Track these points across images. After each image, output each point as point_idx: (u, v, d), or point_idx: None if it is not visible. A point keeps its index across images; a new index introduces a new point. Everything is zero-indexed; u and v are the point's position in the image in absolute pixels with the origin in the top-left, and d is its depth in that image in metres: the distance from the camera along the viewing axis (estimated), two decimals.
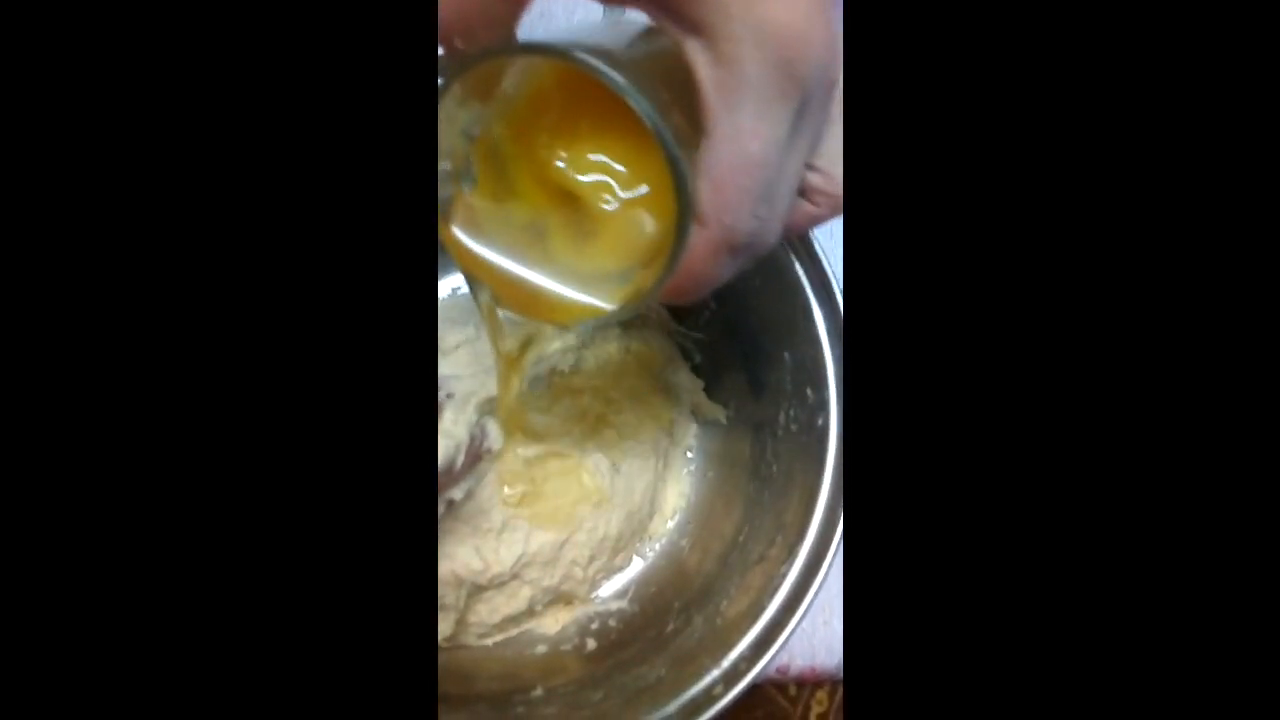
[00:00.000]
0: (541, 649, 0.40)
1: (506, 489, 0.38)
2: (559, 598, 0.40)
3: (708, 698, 0.32)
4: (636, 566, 0.42)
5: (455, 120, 0.23)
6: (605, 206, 0.22)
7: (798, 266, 0.36)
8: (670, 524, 0.42)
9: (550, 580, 0.39)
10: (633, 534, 0.41)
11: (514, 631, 0.40)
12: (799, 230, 0.24)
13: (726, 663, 0.33)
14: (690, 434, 0.43)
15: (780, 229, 0.22)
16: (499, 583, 0.38)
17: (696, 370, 0.43)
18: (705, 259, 0.21)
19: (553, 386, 0.40)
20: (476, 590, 0.37)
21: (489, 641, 0.40)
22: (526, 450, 0.39)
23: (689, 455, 0.43)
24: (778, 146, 0.20)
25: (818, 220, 0.24)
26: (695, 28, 0.19)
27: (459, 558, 0.36)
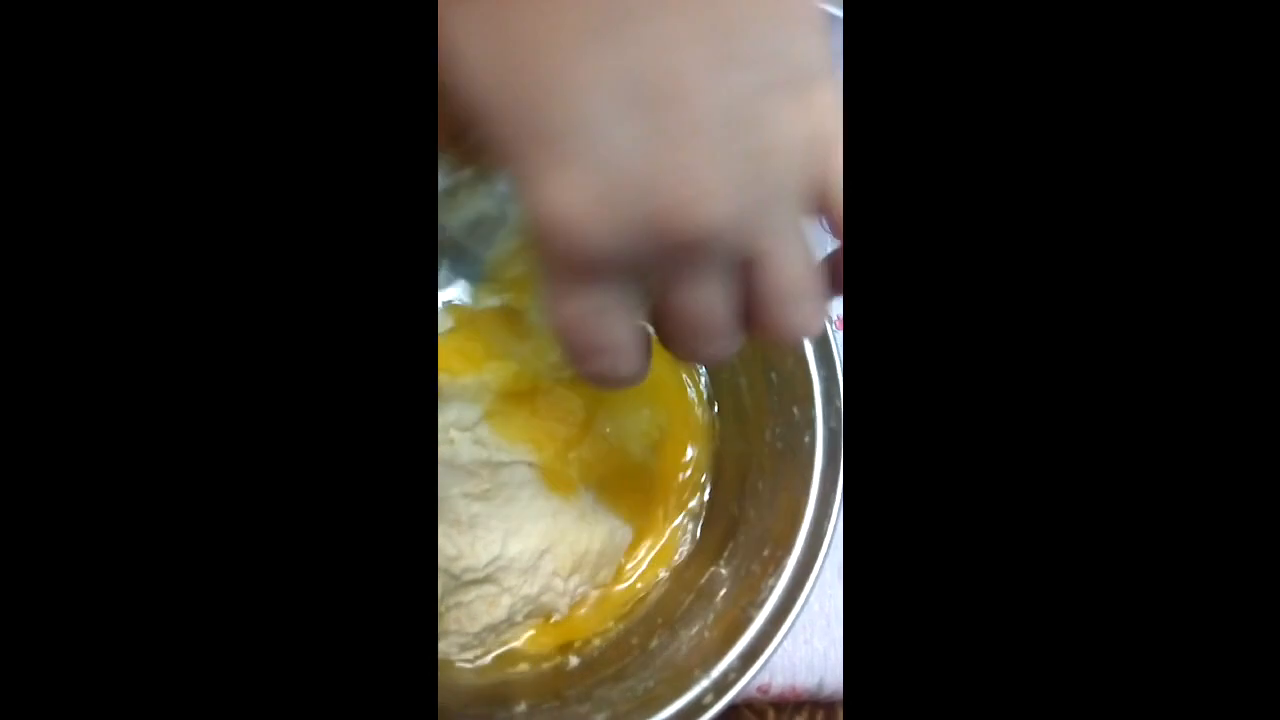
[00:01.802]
0: (523, 666, 0.40)
1: (467, 485, 0.38)
2: (538, 609, 0.40)
3: (698, 707, 0.32)
4: (619, 582, 0.42)
5: None
6: None
7: None
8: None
9: (529, 589, 0.39)
10: (615, 550, 0.41)
11: (495, 648, 0.40)
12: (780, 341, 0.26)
13: (716, 673, 0.33)
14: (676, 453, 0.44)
15: (711, 356, 0.23)
16: (474, 579, 0.38)
17: (683, 388, 0.44)
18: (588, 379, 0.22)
19: (541, 392, 0.40)
20: (452, 584, 0.37)
21: (469, 655, 0.39)
22: (494, 454, 0.39)
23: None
24: (583, 315, 0.20)
25: (784, 340, 0.25)
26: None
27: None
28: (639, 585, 0.42)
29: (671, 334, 0.22)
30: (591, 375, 0.22)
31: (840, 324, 0.48)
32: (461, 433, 0.38)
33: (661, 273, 0.20)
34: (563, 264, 0.19)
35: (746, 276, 0.20)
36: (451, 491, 0.38)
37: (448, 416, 0.38)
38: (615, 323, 0.20)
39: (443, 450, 0.38)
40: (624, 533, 0.41)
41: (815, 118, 0.19)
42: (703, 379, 0.44)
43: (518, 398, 0.40)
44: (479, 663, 0.40)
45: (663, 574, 0.42)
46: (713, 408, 0.44)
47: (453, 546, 0.37)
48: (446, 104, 0.19)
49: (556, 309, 0.20)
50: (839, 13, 0.39)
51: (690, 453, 0.43)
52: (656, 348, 0.23)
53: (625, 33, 0.16)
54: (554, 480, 0.40)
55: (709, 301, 0.20)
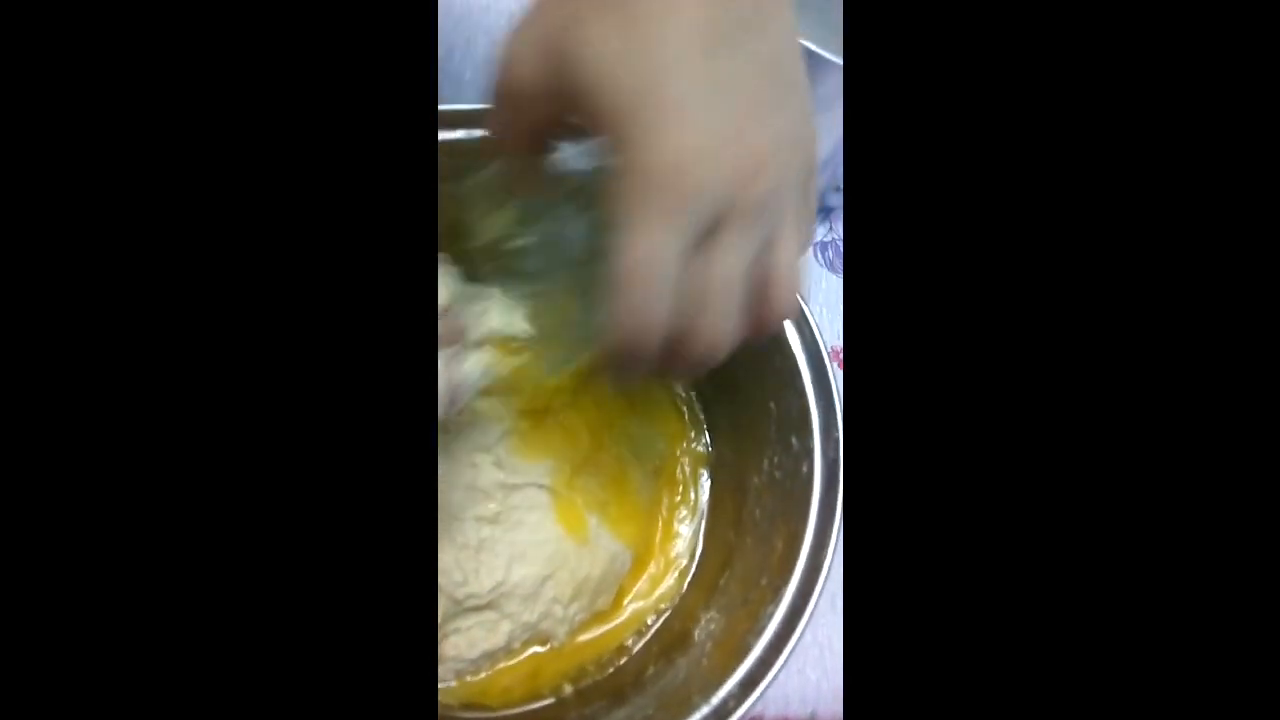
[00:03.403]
0: (519, 694, 0.40)
1: (480, 508, 0.38)
2: (536, 636, 0.40)
3: None
4: (617, 609, 0.42)
5: None
6: None
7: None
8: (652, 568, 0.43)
9: (529, 616, 0.39)
10: (615, 576, 0.41)
11: (490, 671, 0.40)
12: (760, 333, 0.26)
13: (716, 700, 0.33)
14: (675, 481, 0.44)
15: (712, 337, 0.25)
16: (475, 606, 0.37)
17: (682, 416, 0.44)
18: (613, 350, 0.25)
19: (546, 419, 0.41)
20: (454, 609, 0.37)
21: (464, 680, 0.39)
22: (510, 477, 0.39)
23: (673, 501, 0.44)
24: (659, 259, 0.23)
25: (770, 326, 0.26)
26: (611, 147, 0.23)
27: (441, 563, 0.37)
28: (637, 612, 0.42)
29: (695, 298, 0.24)
30: (633, 326, 0.24)
31: (838, 359, 0.49)
32: (483, 454, 0.39)
33: (720, 225, 0.23)
34: (663, 200, 0.22)
35: (762, 256, 0.25)
36: (465, 514, 0.38)
37: (471, 439, 0.38)
38: (672, 271, 0.23)
39: (465, 474, 0.38)
40: (624, 559, 0.41)
41: (804, 121, 0.25)
42: (700, 407, 0.45)
43: (535, 415, 0.40)
44: (473, 688, 0.39)
45: (661, 600, 0.42)
46: (711, 436, 0.45)
47: (459, 572, 0.37)
48: (566, 81, 0.23)
49: (638, 243, 0.23)
50: (839, 61, 0.40)
51: (689, 480, 0.44)
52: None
53: (726, 48, 0.23)
54: (562, 504, 0.40)
55: (736, 267, 0.24)
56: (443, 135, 0.35)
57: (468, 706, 0.39)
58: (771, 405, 0.40)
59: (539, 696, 0.40)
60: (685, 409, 0.45)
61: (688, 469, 0.44)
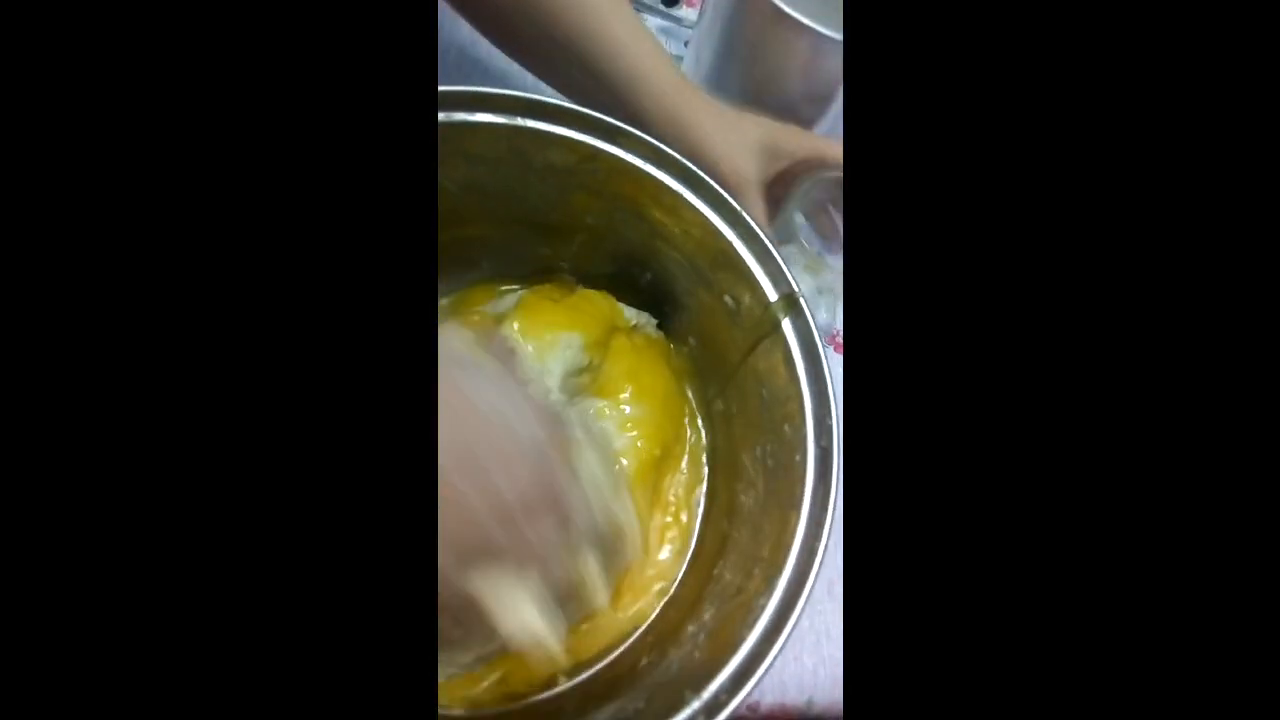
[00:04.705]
0: (514, 688, 0.39)
1: None
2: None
3: None
4: (616, 608, 0.41)
5: None
6: None
7: (775, 308, 0.37)
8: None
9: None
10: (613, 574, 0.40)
11: (488, 675, 0.39)
12: None
13: (707, 694, 0.33)
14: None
15: None
16: None
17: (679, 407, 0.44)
18: None
19: None
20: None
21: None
22: None
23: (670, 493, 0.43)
24: None
25: None
26: None
27: None
28: (635, 608, 0.41)
29: None
30: None
31: (836, 344, 0.48)
32: None
33: None
34: None
35: None
36: None
37: None
38: None
39: None
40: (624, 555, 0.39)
41: None
42: (690, 397, 0.44)
43: None
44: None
45: (656, 592, 0.41)
46: (706, 425, 0.44)
47: None
48: None
49: None
50: (839, 37, 0.39)
51: (684, 470, 0.43)
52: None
53: None
54: None
55: None
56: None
57: None
58: (763, 392, 0.39)
59: (516, 699, 0.39)
60: (682, 398, 0.44)
61: (683, 459, 0.43)
